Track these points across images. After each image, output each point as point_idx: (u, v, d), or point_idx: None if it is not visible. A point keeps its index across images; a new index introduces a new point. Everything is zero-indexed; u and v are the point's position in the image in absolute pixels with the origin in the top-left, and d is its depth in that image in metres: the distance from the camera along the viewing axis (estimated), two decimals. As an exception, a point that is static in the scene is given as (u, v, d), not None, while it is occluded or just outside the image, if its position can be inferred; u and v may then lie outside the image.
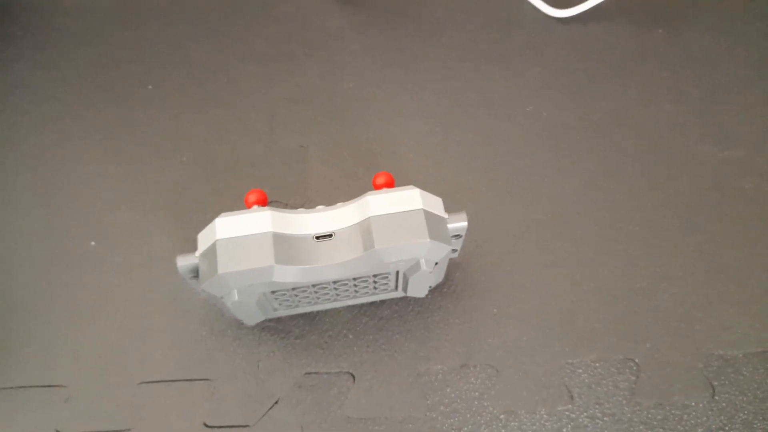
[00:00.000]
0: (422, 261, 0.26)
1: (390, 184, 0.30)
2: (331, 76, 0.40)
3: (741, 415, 0.29)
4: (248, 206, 0.30)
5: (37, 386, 0.31)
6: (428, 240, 0.25)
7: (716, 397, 0.30)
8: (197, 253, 0.26)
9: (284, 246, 0.25)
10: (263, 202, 0.30)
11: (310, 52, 0.41)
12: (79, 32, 0.42)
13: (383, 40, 0.41)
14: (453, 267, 0.33)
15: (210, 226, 0.26)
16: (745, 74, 0.39)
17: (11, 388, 0.31)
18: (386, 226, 0.26)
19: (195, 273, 0.26)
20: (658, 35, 0.40)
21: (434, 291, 0.33)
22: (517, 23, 0.41)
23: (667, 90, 0.38)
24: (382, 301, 0.32)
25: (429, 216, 0.26)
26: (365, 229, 0.26)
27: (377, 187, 0.29)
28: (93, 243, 0.34)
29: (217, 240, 0.25)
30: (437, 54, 0.40)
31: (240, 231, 0.25)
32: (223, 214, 0.26)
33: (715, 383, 0.30)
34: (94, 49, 0.41)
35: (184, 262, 0.26)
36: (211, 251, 0.25)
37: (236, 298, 0.25)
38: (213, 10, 0.43)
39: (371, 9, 0.42)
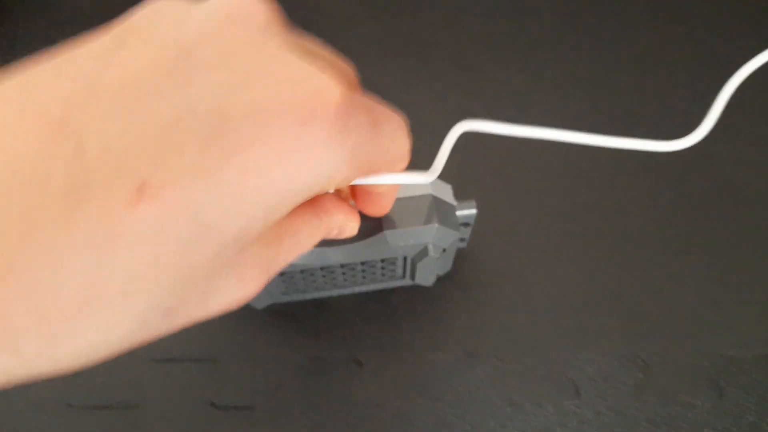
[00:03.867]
0: (430, 246, 0.26)
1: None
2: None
3: (748, 416, 0.29)
4: None
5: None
6: (436, 225, 0.25)
7: (723, 398, 0.30)
8: None
9: None
10: None
11: (325, 40, 0.41)
12: (91, 28, 0.42)
13: (398, 29, 0.41)
14: (462, 259, 0.33)
15: None
16: (760, 76, 0.39)
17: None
18: (395, 210, 0.25)
19: None
20: (676, 33, 0.40)
21: (443, 281, 0.33)
22: (533, 14, 0.41)
23: (683, 89, 0.38)
24: (391, 290, 0.32)
25: (438, 202, 0.26)
26: None
27: None
28: None
29: None
30: (451, 44, 0.40)
31: None
32: None
33: (722, 383, 0.30)
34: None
35: None
36: None
37: None
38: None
39: (388, -2, 0.42)
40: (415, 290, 0.32)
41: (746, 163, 0.36)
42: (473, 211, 0.28)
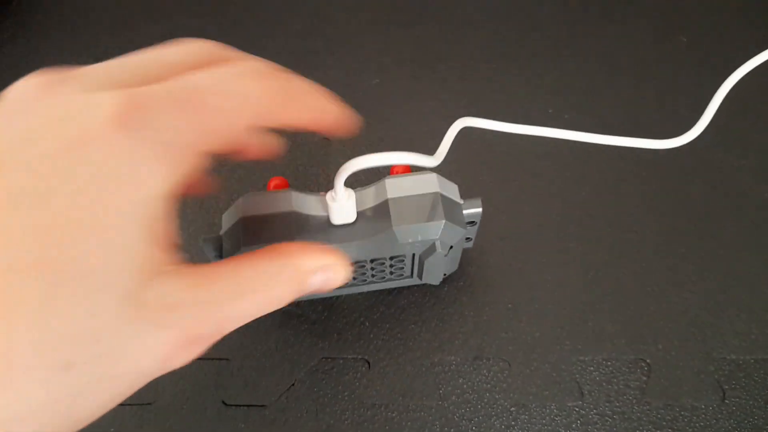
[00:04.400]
0: (438, 243, 0.27)
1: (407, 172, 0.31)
2: (353, 72, 0.41)
3: (751, 419, 0.30)
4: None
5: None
6: (444, 221, 0.26)
7: (726, 401, 0.30)
8: (221, 232, 0.27)
9: (305, 225, 0.26)
10: (285, 187, 0.31)
11: (334, 49, 0.42)
12: (109, 22, 0.43)
13: (405, 38, 0.42)
14: (468, 262, 0.34)
15: (234, 205, 0.27)
16: (764, 83, 0.39)
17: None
18: (403, 207, 0.26)
19: (219, 251, 0.27)
20: (679, 42, 0.41)
21: (450, 284, 0.33)
22: (538, 25, 0.42)
23: (685, 96, 0.38)
24: (399, 292, 0.33)
25: (445, 199, 0.27)
26: (383, 210, 0.26)
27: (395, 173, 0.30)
28: None
29: (241, 218, 0.26)
30: (457, 53, 0.41)
31: (263, 210, 0.26)
32: (247, 194, 0.27)
33: (726, 387, 0.30)
34: (121, 39, 0.42)
35: (208, 239, 0.27)
36: (235, 229, 0.26)
37: None
38: (238, 4, 0.44)
39: (394, 8, 0.43)
40: (423, 292, 0.33)
41: (749, 168, 0.36)
42: (479, 210, 0.29)
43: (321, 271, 0.20)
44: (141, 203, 0.16)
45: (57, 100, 0.16)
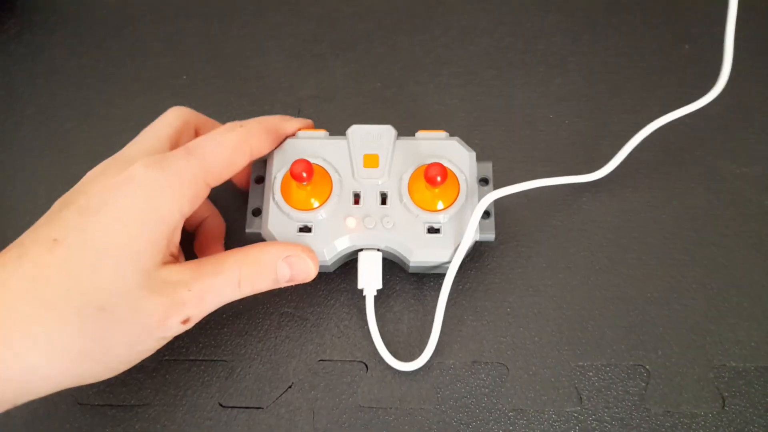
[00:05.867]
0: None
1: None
2: (358, 76, 0.41)
3: (751, 427, 0.30)
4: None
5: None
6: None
7: (726, 408, 0.30)
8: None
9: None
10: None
11: (338, 53, 0.42)
12: (117, 24, 0.44)
13: (409, 44, 0.42)
14: (468, 267, 0.34)
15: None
16: None
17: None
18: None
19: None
20: (683, 50, 0.41)
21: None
22: (543, 34, 0.42)
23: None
24: (397, 295, 0.33)
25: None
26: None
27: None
28: None
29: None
30: (461, 59, 0.41)
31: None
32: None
33: (726, 394, 0.30)
34: (128, 40, 0.43)
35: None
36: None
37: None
38: (245, 8, 0.44)
39: (399, 14, 0.43)
40: (420, 295, 0.33)
41: (751, 178, 0.36)
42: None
43: (286, 261, 0.28)
44: (161, 218, 0.25)
45: (113, 171, 0.26)
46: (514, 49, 0.42)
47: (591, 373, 0.31)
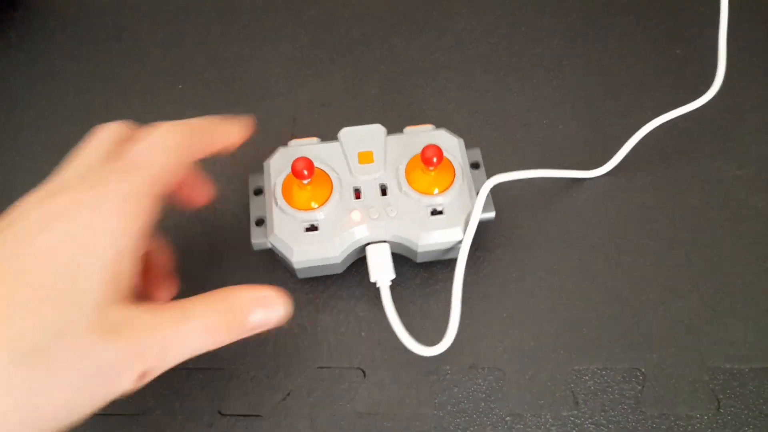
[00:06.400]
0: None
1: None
2: (355, 81, 0.41)
3: (746, 429, 0.30)
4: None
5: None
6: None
7: (721, 410, 0.30)
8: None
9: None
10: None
11: (335, 58, 0.42)
12: (115, 26, 0.44)
13: (406, 48, 0.42)
14: (465, 271, 0.34)
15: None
16: (761, 94, 0.39)
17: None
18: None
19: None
20: (675, 54, 0.41)
21: (445, 292, 0.33)
22: (538, 38, 0.42)
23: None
24: (394, 300, 0.33)
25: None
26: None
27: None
28: None
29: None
30: (458, 64, 0.41)
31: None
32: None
33: (721, 396, 0.31)
34: (127, 45, 0.43)
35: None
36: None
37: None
38: (243, 13, 0.44)
39: (396, 18, 0.43)
40: (418, 302, 0.33)
41: (745, 179, 0.36)
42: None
43: (260, 304, 0.24)
44: (108, 244, 0.21)
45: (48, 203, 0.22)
46: (510, 52, 0.42)
47: (587, 377, 0.31)
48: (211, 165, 0.38)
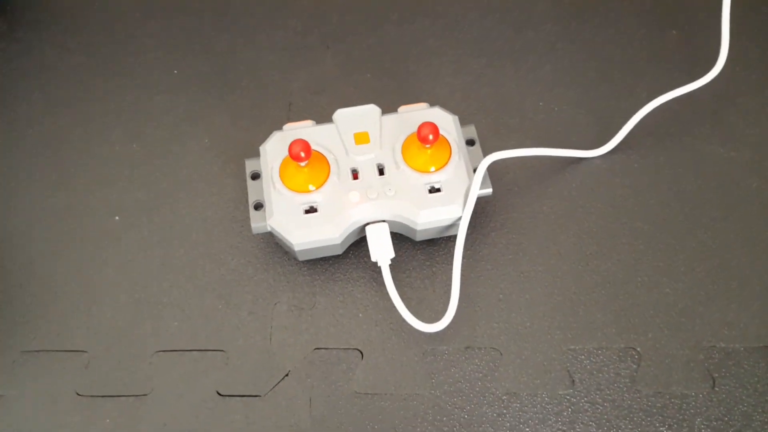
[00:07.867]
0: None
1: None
2: (348, 68, 0.41)
3: (740, 407, 0.30)
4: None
5: (59, 350, 0.32)
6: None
7: (716, 389, 0.30)
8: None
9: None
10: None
11: (328, 44, 0.42)
12: (105, 19, 0.44)
13: (399, 34, 0.42)
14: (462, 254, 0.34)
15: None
16: (755, 78, 0.39)
17: (35, 351, 0.32)
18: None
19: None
20: (671, 36, 0.41)
21: (442, 274, 0.33)
22: (531, 22, 0.42)
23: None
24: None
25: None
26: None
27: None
28: (117, 218, 0.36)
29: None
30: (451, 49, 0.41)
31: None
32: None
33: (716, 375, 0.31)
34: (120, 36, 0.43)
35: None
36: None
37: None
38: (236, 2, 0.44)
39: (389, 5, 0.43)
40: (415, 284, 0.33)
41: (739, 162, 0.36)
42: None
43: None
44: None
45: None
46: (504, 37, 0.42)
47: (583, 357, 0.31)
48: (206, 151, 0.38)
